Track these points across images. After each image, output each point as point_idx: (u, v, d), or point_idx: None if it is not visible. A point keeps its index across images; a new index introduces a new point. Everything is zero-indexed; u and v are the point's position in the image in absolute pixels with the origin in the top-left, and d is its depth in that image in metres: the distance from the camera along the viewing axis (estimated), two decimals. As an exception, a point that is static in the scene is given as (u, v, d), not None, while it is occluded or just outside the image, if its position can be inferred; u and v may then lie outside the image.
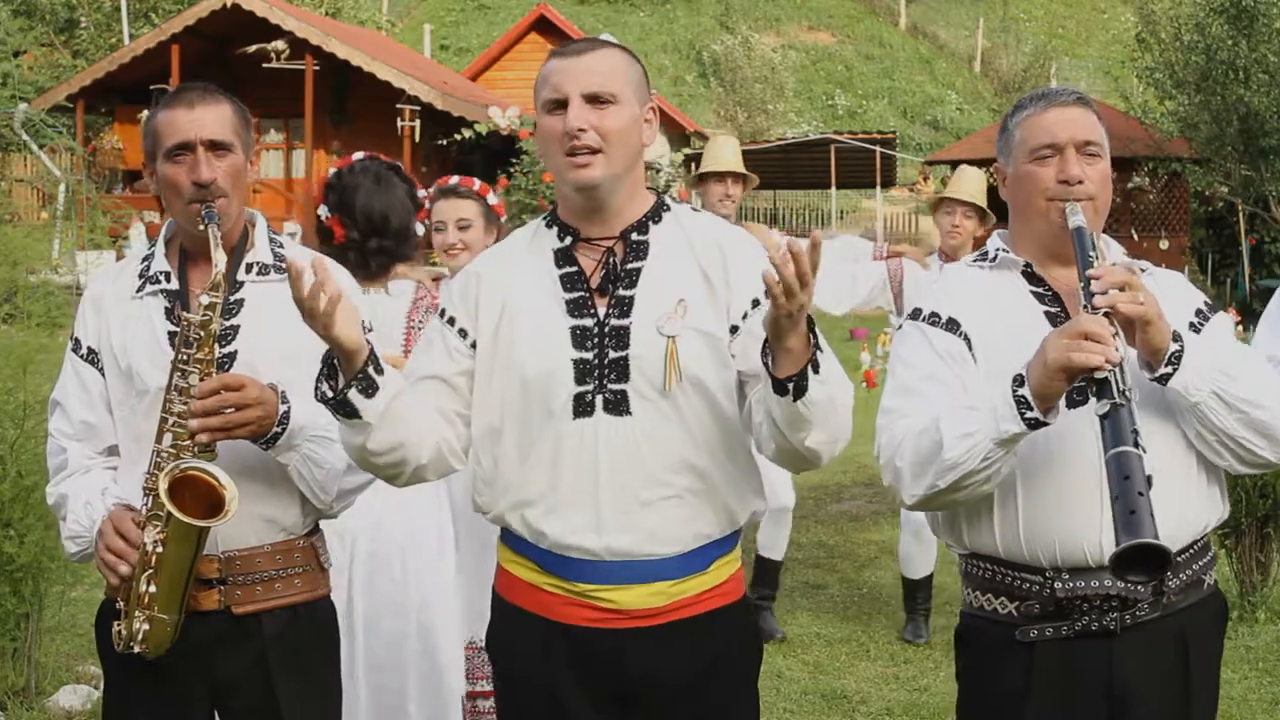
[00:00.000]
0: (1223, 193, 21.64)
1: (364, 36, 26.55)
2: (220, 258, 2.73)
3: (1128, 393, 2.37)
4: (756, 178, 6.48)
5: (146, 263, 2.94)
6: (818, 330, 2.44)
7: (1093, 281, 2.48)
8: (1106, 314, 2.43)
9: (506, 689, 2.76)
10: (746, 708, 2.76)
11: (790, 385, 2.42)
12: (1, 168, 22.19)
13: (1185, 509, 2.61)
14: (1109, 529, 2.54)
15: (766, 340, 2.43)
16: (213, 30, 23.06)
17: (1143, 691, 2.60)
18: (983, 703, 2.71)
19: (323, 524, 3.03)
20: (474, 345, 2.68)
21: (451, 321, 2.70)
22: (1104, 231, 2.74)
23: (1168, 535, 2.50)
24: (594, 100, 2.59)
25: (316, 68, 22.83)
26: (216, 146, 2.80)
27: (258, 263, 2.92)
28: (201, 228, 2.76)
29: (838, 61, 38.22)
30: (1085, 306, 2.47)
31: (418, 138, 22.61)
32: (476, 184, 4.67)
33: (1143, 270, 2.72)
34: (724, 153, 6.37)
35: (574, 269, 2.67)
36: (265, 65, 23.00)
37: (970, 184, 6.39)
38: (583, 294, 2.65)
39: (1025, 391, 2.45)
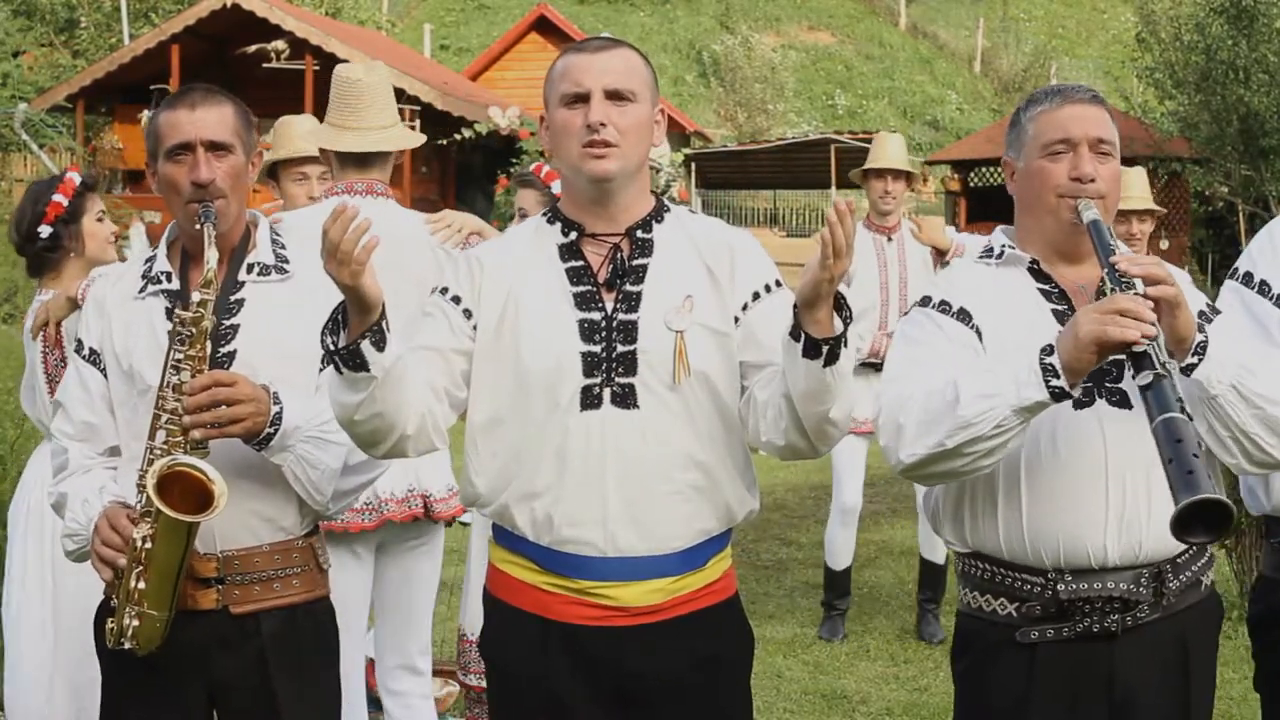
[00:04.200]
0: (1223, 193, 21.62)
1: (364, 36, 26.54)
2: (212, 255, 2.74)
3: (1167, 364, 2.35)
4: (920, 174, 6.51)
5: (149, 264, 2.96)
6: (847, 304, 2.47)
7: (1119, 266, 2.45)
8: (1139, 294, 2.41)
9: (503, 689, 2.76)
10: (741, 705, 2.78)
11: (825, 348, 2.43)
12: (1, 168, 22.17)
13: None
14: (1113, 530, 2.55)
15: (796, 308, 2.45)
16: (213, 30, 23.05)
17: (1144, 693, 2.60)
18: (983, 705, 2.71)
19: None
20: (475, 328, 2.68)
21: (456, 300, 2.69)
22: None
23: (1167, 536, 2.50)
24: (614, 97, 2.62)
25: (316, 68, 22.80)
26: (217, 147, 2.82)
27: (259, 263, 2.93)
28: (198, 227, 2.78)
29: (838, 61, 38.18)
30: (1113, 289, 2.44)
31: (418, 137, 22.55)
32: (545, 170, 4.87)
33: None
34: (888, 150, 6.44)
35: (580, 263, 2.68)
36: (265, 65, 22.99)
37: (1136, 188, 6.27)
38: (590, 288, 2.66)
39: (1054, 360, 2.42)
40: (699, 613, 2.69)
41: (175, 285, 2.90)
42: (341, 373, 2.52)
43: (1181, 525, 2.26)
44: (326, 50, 22.58)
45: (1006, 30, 38.78)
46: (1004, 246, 2.74)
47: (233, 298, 2.87)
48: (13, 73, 25.71)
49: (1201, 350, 2.48)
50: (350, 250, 2.39)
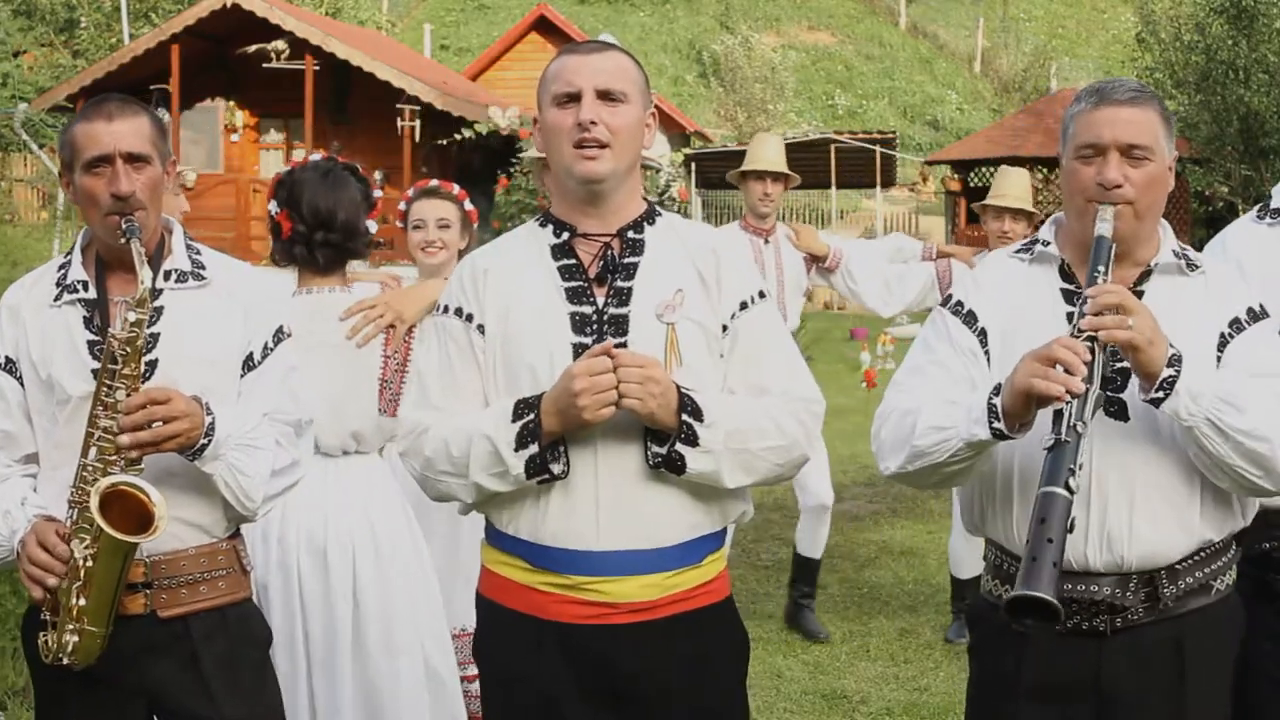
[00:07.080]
0: (1223, 193, 21.66)
1: (364, 36, 26.57)
2: (146, 274, 2.74)
3: (1079, 428, 2.38)
4: (798, 177, 6.51)
5: (63, 271, 2.93)
6: (695, 398, 2.56)
7: (1087, 301, 2.47)
8: (1091, 338, 2.42)
9: (496, 691, 2.76)
10: (736, 707, 2.78)
11: (662, 467, 2.57)
12: (1, 168, 22.17)
13: (1187, 520, 2.59)
14: (1094, 542, 2.57)
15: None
16: (213, 30, 23.07)
17: (1132, 694, 2.60)
18: (986, 683, 2.76)
19: (259, 528, 3.02)
20: (486, 338, 2.71)
21: (470, 318, 2.72)
22: None
23: (1155, 549, 2.52)
24: (605, 97, 2.64)
25: (316, 68, 22.84)
26: (135, 159, 2.81)
27: (175, 270, 2.92)
28: (123, 241, 2.77)
29: (838, 61, 38.23)
30: (1073, 331, 2.46)
31: (418, 138, 22.62)
32: (455, 188, 4.85)
33: (1196, 267, 2.68)
34: (766, 151, 6.40)
35: (572, 261, 2.71)
36: (265, 65, 23.02)
37: (1015, 187, 6.34)
38: (581, 283, 2.68)
39: (998, 401, 2.47)
40: (692, 613, 2.69)
41: (92, 294, 2.88)
42: (527, 479, 2.60)
43: (1014, 608, 2.33)
44: (326, 50, 22.60)
45: (1006, 30, 38.84)
46: (1041, 243, 2.73)
47: (151, 306, 2.83)
48: (13, 73, 25.72)
49: (1168, 386, 2.47)
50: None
